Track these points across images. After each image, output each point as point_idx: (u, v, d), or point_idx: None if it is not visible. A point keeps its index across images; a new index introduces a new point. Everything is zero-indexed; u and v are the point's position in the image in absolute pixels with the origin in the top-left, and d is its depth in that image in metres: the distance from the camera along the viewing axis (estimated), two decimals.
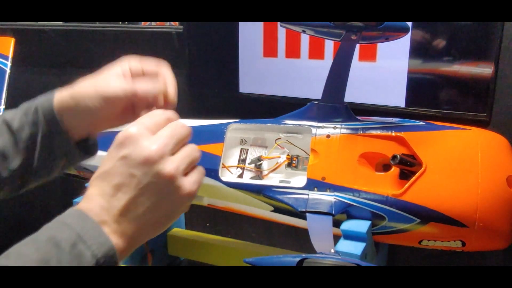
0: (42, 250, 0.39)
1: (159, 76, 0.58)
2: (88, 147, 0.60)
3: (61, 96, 0.57)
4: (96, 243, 0.40)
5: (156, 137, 0.44)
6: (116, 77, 0.57)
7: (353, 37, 0.71)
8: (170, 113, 0.48)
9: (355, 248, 0.66)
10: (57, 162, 0.59)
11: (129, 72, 0.58)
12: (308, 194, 0.72)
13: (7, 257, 0.39)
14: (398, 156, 0.69)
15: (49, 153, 0.58)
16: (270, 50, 1.28)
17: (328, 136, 0.75)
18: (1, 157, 0.56)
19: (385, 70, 1.14)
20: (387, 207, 0.69)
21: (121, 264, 0.42)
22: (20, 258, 0.38)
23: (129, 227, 0.43)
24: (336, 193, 0.71)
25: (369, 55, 1.15)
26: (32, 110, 0.56)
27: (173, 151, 0.44)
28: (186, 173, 0.45)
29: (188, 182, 0.44)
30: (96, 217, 0.41)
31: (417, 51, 1.10)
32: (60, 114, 0.56)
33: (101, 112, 0.55)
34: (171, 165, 0.43)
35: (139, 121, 0.46)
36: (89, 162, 0.65)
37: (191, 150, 0.46)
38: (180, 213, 0.46)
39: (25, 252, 0.39)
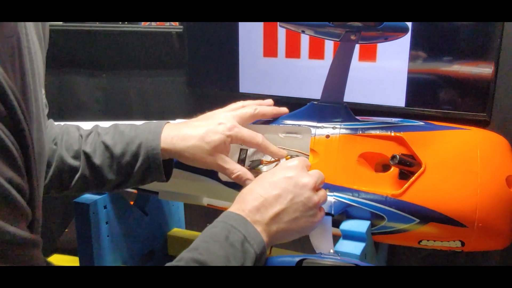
0: (224, 249, 0.50)
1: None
2: (168, 172, 0.71)
3: (166, 140, 0.67)
4: (256, 242, 0.53)
5: (312, 173, 0.62)
6: (222, 126, 0.69)
7: (353, 37, 0.71)
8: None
9: (355, 248, 0.66)
10: (145, 184, 0.70)
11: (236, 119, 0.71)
12: None
13: (198, 252, 0.50)
14: (398, 156, 0.69)
15: (141, 179, 0.69)
16: (270, 50, 1.28)
17: (327, 136, 0.75)
18: (98, 173, 0.67)
19: (385, 70, 1.14)
20: (387, 207, 0.69)
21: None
22: (211, 255, 0.49)
23: (274, 230, 0.56)
24: (335, 193, 0.71)
25: (369, 55, 1.15)
26: (136, 144, 0.67)
27: (317, 188, 0.62)
28: None
29: (319, 214, 0.61)
30: (249, 218, 0.55)
31: (417, 51, 1.10)
32: (163, 155, 0.67)
33: (203, 158, 0.68)
34: (316, 197, 0.60)
35: (297, 158, 0.64)
36: None
37: (324, 193, 0.63)
38: (306, 233, 0.61)
39: (213, 250, 0.50)
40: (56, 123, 0.75)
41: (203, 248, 0.51)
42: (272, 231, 0.56)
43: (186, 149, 0.67)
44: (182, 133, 0.68)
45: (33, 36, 0.49)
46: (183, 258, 0.50)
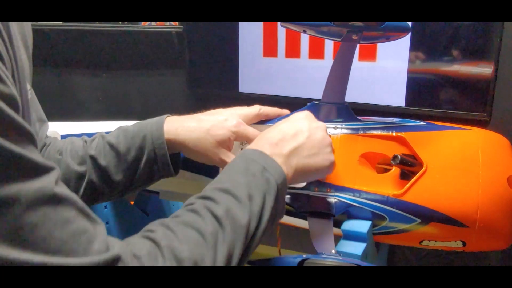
0: (246, 177, 0.51)
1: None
2: (176, 167, 0.71)
3: (170, 130, 0.67)
4: (277, 172, 0.53)
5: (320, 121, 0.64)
6: (228, 122, 0.69)
7: (354, 37, 0.71)
8: None
9: (356, 248, 0.66)
10: (153, 180, 0.70)
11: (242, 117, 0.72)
12: (308, 194, 0.72)
13: (221, 182, 0.52)
14: (399, 156, 0.68)
15: (149, 174, 0.69)
16: (270, 50, 1.28)
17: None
18: (105, 174, 0.67)
19: (385, 70, 1.14)
20: (388, 208, 0.69)
21: None
22: (233, 182, 0.51)
23: (294, 164, 0.57)
24: (336, 193, 0.71)
25: (369, 55, 1.15)
26: (140, 136, 0.67)
27: None
28: None
29: (333, 155, 0.63)
30: (268, 151, 0.55)
31: (417, 51, 1.10)
32: (167, 146, 0.67)
33: (206, 151, 0.68)
34: (330, 138, 0.63)
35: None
36: None
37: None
38: (323, 172, 0.62)
39: (235, 178, 0.51)
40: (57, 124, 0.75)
41: (225, 179, 0.52)
42: (292, 164, 0.57)
43: (190, 140, 0.67)
44: (187, 125, 0.68)
45: (17, 36, 0.48)
46: (206, 190, 0.51)
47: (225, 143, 0.68)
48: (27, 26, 0.55)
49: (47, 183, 0.36)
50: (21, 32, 0.51)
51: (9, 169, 0.34)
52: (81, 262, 0.36)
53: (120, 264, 0.39)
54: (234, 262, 0.47)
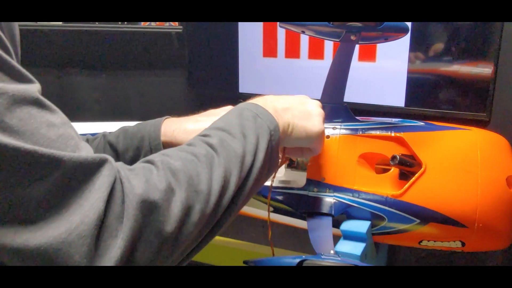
0: (239, 118, 0.53)
1: None
2: None
3: (167, 133, 0.68)
4: (268, 119, 0.55)
5: None
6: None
7: (353, 37, 0.71)
8: None
9: (355, 248, 0.66)
10: None
11: None
12: (308, 195, 0.72)
13: (215, 123, 0.54)
14: (398, 157, 0.69)
15: None
16: (270, 50, 1.28)
17: (327, 136, 0.75)
18: None
19: (384, 70, 1.14)
20: (387, 208, 0.69)
21: None
22: (227, 122, 0.53)
23: (285, 119, 0.59)
24: (336, 194, 0.71)
25: (369, 55, 1.15)
26: (138, 137, 0.68)
27: None
28: None
29: (323, 126, 0.64)
30: (260, 103, 0.57)
31: (417, 51, 1.10)
32: (164, 147, 0.67)
33: None
34: (322, 113, 0.64)
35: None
36: None
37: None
38: (312, 140, 0.63)
39: (230, 119, 0.54)
40: None
41: (219, 121, 0.54)
42: (284, 118, 0.59)
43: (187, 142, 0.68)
44: (183, 127, 0.68)
45: (5, 31, 0.49)
46: (202, 131, 0.53)
47: None
48: (15, 23, 0.55)
49: (31, 88, 0.37)
50: (8, 31, 0.51)
51: None
52: (71, 156, 0.36)
53: (107, 166, 0.39)
54: (230, 190, 0.47)
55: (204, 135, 0.52)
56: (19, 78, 0.37)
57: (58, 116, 0.39)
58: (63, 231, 0.35)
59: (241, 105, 0.58)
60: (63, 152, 0.36)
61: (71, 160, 0.36)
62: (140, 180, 0.40)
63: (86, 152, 0.39)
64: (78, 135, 0.40)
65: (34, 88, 0.38)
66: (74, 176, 0.36)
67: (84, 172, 0.37)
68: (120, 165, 0.42)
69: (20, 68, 0.37)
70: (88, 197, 0.36)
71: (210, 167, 0.46)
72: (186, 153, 0.47)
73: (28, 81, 0.38)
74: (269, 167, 0.55)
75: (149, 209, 0.39)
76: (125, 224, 0.37)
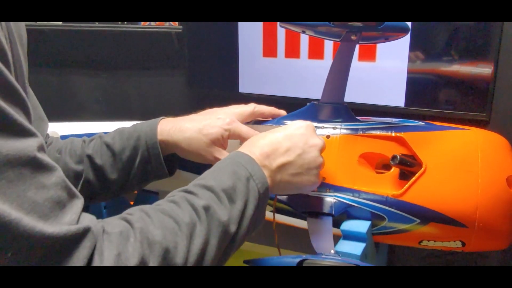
0: (231, 180, 0.52)
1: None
2: (172, 168, 0.72)
3: (163, 132, 0.68)
4: (261, 182, 0.54)
5: (319, 137, 0.64)
6: (220, 120, 0.69)
7: (353, 37, 0.71)
8: None
9: (355, 248, 0.66)
10: (148, 180, 0.71)
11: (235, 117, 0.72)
12: (308, 195, 0.72)
13: (205, 179, 0.52)
14: (398, 157, 0.69)
15: (143, 174, 0.69)
16: (269, 50, 1.28)
17: (328, 136, 0.75)
18: (101, 173, 0.68)
19: (384, 70, 1.14)
20: (387, 208, 0.69)
21: None
22: (217, 182, 0.51)
23: (278, 179, 0.58)
24: (336, 194, 0.71)
25: (369, 55, 1.15)
26: (135, 137, 0.68)
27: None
28: None
29: (319, 178, 0.63)
30: (258, 161, 0.56)
31: (417, 51, 1.10)
32: (161, 147, 0.67)
33: (199, 150, 0.68)
34: (321, 159, 0.62)
35: (307, 122, 0.65)
36: None
37: (324, 161, 0.64)
38: (303, 191, 0.64)
39: (222, 178, 0.52)
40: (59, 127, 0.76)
41: (210, 176, 0.53)
42: (276, 180, 0.58)
43: (183, 140, 0.68)
44: (179, 125, 0.69)
45: (14, 33, 0.49)
46: (190, 185, 0.51)
47: (218, 141, 0.68)
48: (22, 24, 0.55)
49: (29, 146, 0.37)
50: (17, 31, 0.52)
51: None
52: (52, 230, 0.36)
53: (89, 237, 0.38)
54: (208, 258, 0.47)
55: (191, 193, 0.50)
56: (19, 133, 0.36)
57: (52, 176, 0.38)
58: None
59: (238, 156, 0.57)
60: (43, 224, 0.35)
61: (52, 235, 0.36)
62: (111, 253, 0.40)
63: (72, 214, 0.38)
64: (71, 192, 0.40)
65: (33, 144, 0.37)
66: (53, 251, 0.36)
67: (63, 246, 0.37)
68: (99, 228, 0.41)
69: (22, 121, 0.37)
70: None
71: (190, 238, 0.45)
72: (168, 218, 0.46)
73: (29, 135, 0.37)
74: (253, 228, 0.55)
75: None
76: None
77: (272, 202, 0.73)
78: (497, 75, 1.03)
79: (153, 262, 0.42)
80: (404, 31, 0.72)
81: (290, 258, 0.57)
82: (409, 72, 1.11)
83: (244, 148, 0.59)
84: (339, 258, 0.59)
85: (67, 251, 0.37)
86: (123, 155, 0.68)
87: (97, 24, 1.46)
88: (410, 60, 1.11)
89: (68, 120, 0.98)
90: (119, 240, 0.41)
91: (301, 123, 0.64)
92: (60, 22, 1.47)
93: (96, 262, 0.38)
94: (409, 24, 0.73)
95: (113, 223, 0.43)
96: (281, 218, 0.79)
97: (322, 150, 0.63)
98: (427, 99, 1.12)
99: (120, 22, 1.43)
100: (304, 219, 0.72)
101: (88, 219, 0.40)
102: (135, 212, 0.46)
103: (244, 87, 1.34)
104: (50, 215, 0.37)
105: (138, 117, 0.81)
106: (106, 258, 0.39)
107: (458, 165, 0.70)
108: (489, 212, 0.68)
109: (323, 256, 0.60)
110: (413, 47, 1.10)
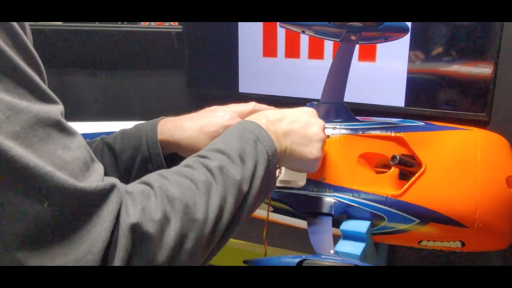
0: (240, 143, 0.54)
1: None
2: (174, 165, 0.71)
3: (164, 131, 0.68)
4: (268, 144, 0.55)
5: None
6: (220, 117, 0.70)
7: (353, 37, 0.71)
8: None
9: (355, 248, 0.66)
10: None
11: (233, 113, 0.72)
12: (307, 195, 0.72)
13: (215, 144, 0.54)
14: (398, 157, 0.69)
15: (144, 174, 0.70)
16: (269, 50, 1.28)
17: (327, 136, 0.75)
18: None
19: (384, 70, 1.14)
20: (387, 208, 0.69)
21: None
22: (227, 145, 0.53)
23: (283, 145, 0.60)
24: (335, 194, 0.71)
25: (369, 55, 1.15)
26: (135, 137, 0.68)
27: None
28: None
29: (322, 150, 0.64)
30: (265, 127, 0.57)
31: (417, 51, 1.10)
32: (162, 147, 0.67)
33: (201, 149, 0.67)
34: (323, 135, 0.64)
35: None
36: None
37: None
38: (307, 165, 0.63)
39: (231, 142, 0.53)
40: None
41: (219, 141, 0.54)
42: (282, 146, 0.59)
43: (184, 139, 0.68)
44: (180, 124, 0.69)
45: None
46: (202, 151, 0.53)
47: None
48: (27, 25, 0.56)
49: (53, 110, 0.38)
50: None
51: (20, 86, 0.36)
52: (83, 185, 0.37)
53: (115, 193, 0.40)
54: (226, 216, 0.48)
55: (203, 157, 0.51)
56: (44, 98, 0.38)
57: (75, 140, 0.40)
58: (72, 259, 0.36)
59: (244, 123, 0.58)
60: (73, 180, 0.37)
61: (83, 189, 0.37)
62: (136, 208, 0.41)
63: (97, 175, 0.40)
64: (92, 157, 0.42)
65: (57, 110, 0.39)
66: (85, 204, 0.37)
67: (93, 200, 0.38)
68: (122, 188, 0.42)
69: (46, 88, 0.38)
70: (96, 225, 0.37)
71: (208, 195, 0.47)
72: (184, 178, 0.47)
73: (52, 102, 0.39)
74: (265, 192, 0.55)
75: (141, 239, 0.40)
76: (117, 252, 0.38)
77: (267, 201, 0.73)
78: (497, 75, 1.03)
79: (175, 217, 0.43)
80: (404, 31, 0.72)
81: (290, 258, 0.57)
82: (409, 72, 1.12)
83: (251, 117, 0.61)
84: (339, 258, 0.59)
85: (97, 205, 0.38)
86: (124, 154, 0.68)
87: (97, 24, 1.46)
88: (410, 60, 1.11)
89: (68, 120, 0.98)
90: (141, 197, 0.42)
91: (305, 107, 0.67)
92: (60, 22, 1.47)
93: (123, 217, 0.39)
94: (409, 24, 0.73)
95: (133, 185, 0.45)
96: (281, 218, 0.79)
97: (322, 128, 0.65)
98: (427, 99, 1.12)
99: (120, 22, 1.43)
100: (304, 219, 0.72)
101: (113, 179, 0.41)
102: (152, 176, 0.48)
103: (244, 87, 1.34)
104: (79, 173, 0.38)
105: (138, 117, 0.82)
106: (132, 213, 0.40)
107: (458, 165, 0.70)
108: (488, 212, 0.68)
109: (323, 256, 0.60)
110: (413, 47, 1.10)
